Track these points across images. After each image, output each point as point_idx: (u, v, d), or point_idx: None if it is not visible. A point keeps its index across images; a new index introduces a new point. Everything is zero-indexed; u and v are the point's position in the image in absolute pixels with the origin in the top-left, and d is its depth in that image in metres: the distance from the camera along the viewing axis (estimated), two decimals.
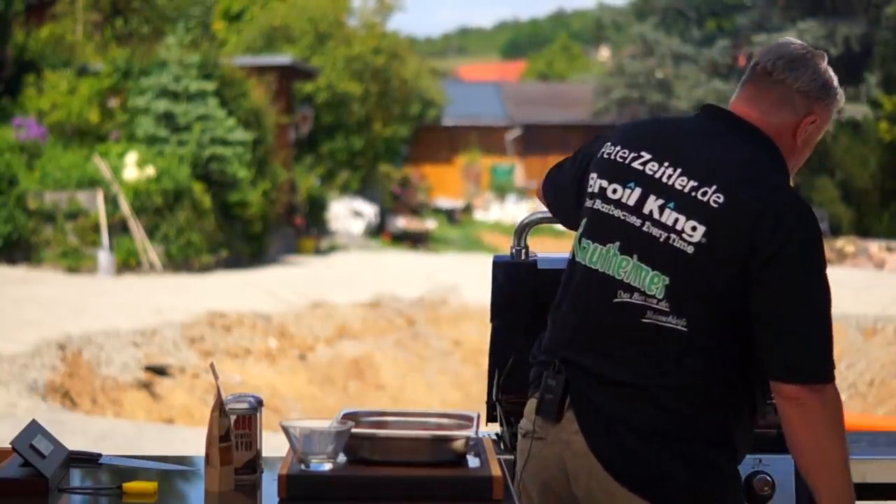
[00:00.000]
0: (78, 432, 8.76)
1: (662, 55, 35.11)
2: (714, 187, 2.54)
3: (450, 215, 38.14)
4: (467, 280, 19.34)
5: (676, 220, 2.56)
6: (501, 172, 40.77)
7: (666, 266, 2.56)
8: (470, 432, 2.46)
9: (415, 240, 32.19)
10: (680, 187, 2.58)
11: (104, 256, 18.85)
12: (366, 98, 32.37)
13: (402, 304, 17.73)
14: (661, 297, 2.55)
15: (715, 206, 2.53)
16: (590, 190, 2.73)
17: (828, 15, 32.68)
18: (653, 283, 2.56)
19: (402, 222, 33.50)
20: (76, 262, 19.13)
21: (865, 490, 3.10)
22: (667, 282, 2.55)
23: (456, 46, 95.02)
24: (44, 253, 19.42)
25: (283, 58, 27.54)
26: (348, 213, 31.76)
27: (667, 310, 2.55)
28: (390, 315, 17.14)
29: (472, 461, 2.44)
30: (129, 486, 2.42)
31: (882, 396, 12.53)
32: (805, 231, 2.53)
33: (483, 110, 42.79)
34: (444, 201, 39.09)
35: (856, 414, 11.71)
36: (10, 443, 2.43)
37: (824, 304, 2.55)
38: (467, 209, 39.21)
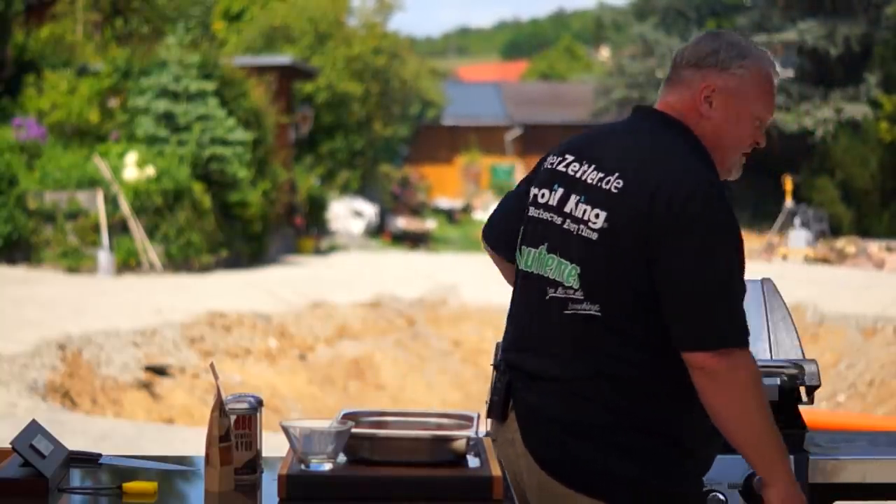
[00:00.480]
0: (78, 432, 8.75)
1: (662, 55, 35.11)
2: (616, 175, 2.64)
3: (449, 215, 38.15)
4: (467, 280, 19.35)
5: (585, 212, 2.66)
6: (501, 172, 40.79)
7: (578, 256, 2.65)
8: (470, 432, 2.46)
9: (415, 240, 32.20)
10: (590, 181, 2.68)
11: (104, 256, 18.85)
12: (366, 98, 32.37)
13: (402, 304, 17.74)
14: (576, 286, 2.64)
15: (615, 191, 2.63)
16: (528, 202, 2.84)
17: (828, 15, 32.70)
18: (570, 275, 2.65)
19: (402, 222, 33.51)
20: (76, 262, 19.13)
21: (865, 490, 3.10)
22: (578, 270, 2.64)
23: (456, 46, 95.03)
24: (44, 253, 19.42)
25: (283, 58, 27.54)
26: (348, 213, 31.77)
27: (581, 297, 2.63)
28: (390, 315, 17.15)
29: (472, 461, 2.44)
30: (129, 486, 2.42)
31: (882, 396, 12.52)
32: (696, 202, 2.56)
33: (483, 110, 42.82)
34: (444, 201, 39.11)
35: (856, 414, 11.70)
36: (10, 443, 2.43)
37: (725, 272, 2.56)
38: (467, 209, 39.23)
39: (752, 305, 3.18)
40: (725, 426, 2.56)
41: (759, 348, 3.20)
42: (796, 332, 3.24)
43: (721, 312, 2.55)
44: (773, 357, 3.23)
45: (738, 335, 2.55)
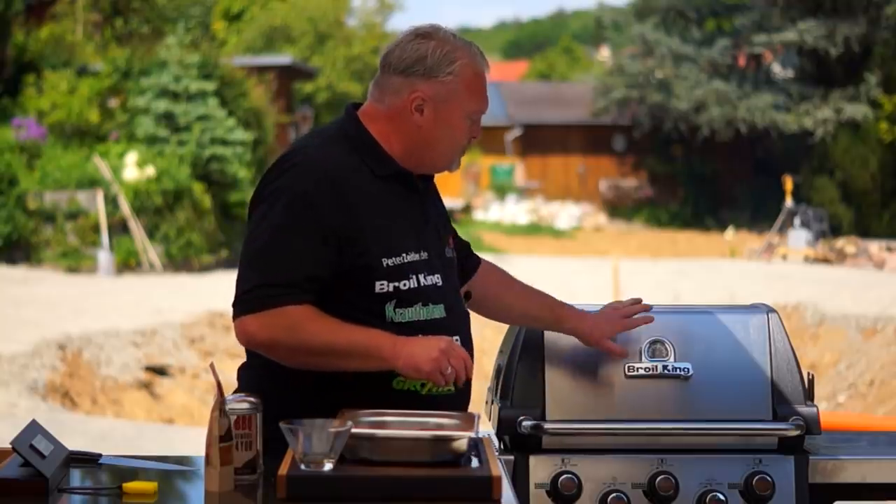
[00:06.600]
0: (78, 432, 8.75)
1: (662, 55, 35.10)
2: None
3: (450, 215, 38.13)
4: None
5: None
6: (501, 172, 40.76)
7: None
8: (470, 432, 2.46)
9: None
10: None
11: (104, 256, 18.85)
12: (366, 98, 32.39)
13: None
14: None
15: None
16: None
17: (828, 15, 32.68)
18: None
19: None
20: (76, 262, 19.13)
21: (865, 490, 3.10)
22: None
23: None
24: (44, 253, 19.42)
25: (283, 58, 27.56)
26: None
27: None
28: None
29: (472, 461, 2.44)
30: (129, 486, 2.42)
31: (882, 396, 12.51)
32: (268, 175, 2.68)
33: None
34: (444, 201, 39.06)
35: (856, 414, 11.70)
36: (10, 443, 2.43)
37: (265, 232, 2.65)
38: (467, 209, 39.21)
39: (754, 346, 3.11)
40: None
41: (762, 404, 3.05)
42: (800, 374, 3.11)
43: (250, 275, 2.60)
44: (776, 403, 3.05)
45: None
